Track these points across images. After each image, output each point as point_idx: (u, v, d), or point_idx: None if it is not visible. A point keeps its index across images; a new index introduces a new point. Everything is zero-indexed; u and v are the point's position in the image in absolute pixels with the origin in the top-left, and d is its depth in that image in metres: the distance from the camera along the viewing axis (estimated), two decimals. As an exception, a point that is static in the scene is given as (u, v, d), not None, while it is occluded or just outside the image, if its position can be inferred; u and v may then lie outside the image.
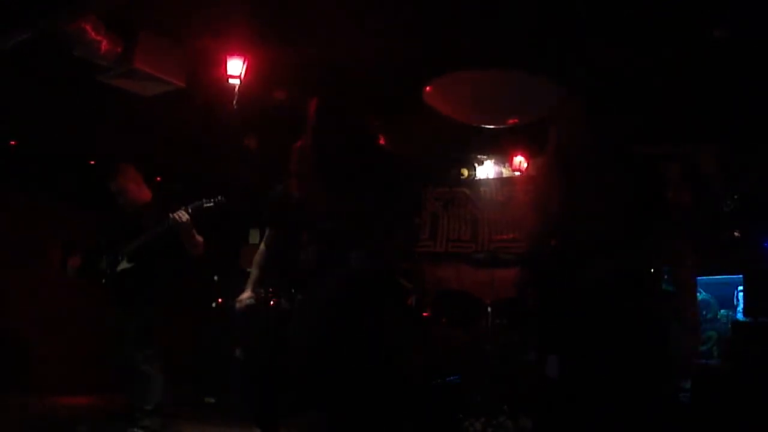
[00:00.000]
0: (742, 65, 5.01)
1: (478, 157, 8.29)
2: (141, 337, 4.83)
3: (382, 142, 3.43)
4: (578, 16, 4.68)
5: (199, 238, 4.93)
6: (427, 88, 5.89)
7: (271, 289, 4.16)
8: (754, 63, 4.98)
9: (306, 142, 3.38)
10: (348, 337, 3.17)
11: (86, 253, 5.27)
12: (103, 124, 6.84)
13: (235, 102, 5.66)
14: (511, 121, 6.44)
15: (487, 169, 8.37)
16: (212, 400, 7.51)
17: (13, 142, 7.29)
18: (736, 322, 5.52)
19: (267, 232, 4.54)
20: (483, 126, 6.54)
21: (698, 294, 6.05)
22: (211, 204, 4.79)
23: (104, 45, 5.09)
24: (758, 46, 4.75)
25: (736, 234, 5.88)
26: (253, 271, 4.44)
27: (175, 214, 4.73)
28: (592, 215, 2.97)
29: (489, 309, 5.90)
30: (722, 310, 6.04)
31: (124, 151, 6.11)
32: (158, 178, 4.45)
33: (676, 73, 5.23)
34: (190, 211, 4.76)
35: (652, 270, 3.06)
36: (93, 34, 4.99)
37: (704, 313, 6.05)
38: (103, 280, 5.06)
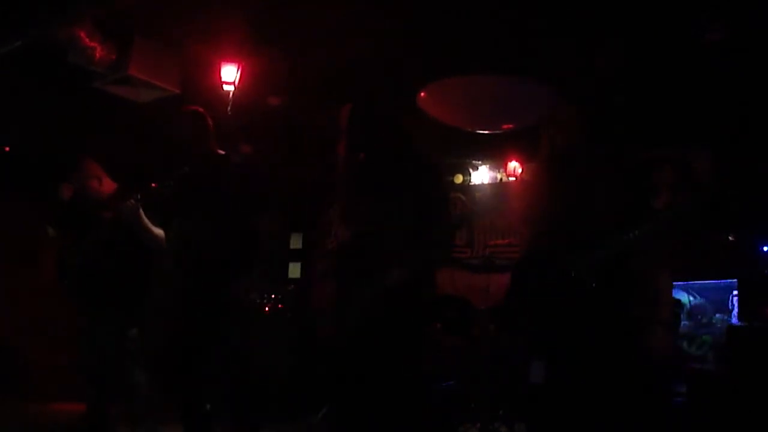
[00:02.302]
0: (736, 67, 5.03)
1: (473, 162, 8.30)
2: (114, 344, 4.62)
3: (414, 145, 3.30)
4: (573, 21, 4.70)
5: (156, 231, 4.39)
6: (422, 94, 5.90)
7: None
8: (748, 65, 5.00)
9: (340, 151, 3.33)
10: (387, 355, 3.09)
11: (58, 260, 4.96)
12: (98, 131, 6.83)
13: (229, 108, 5.65)
14: (505, 126, 6.45)
15: (482, 175, 8.38)
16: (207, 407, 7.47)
17: (6, 148, 7.28)
18: (730, 326, 5.52)
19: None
20: (478, 131, 6.55)
21: (693, 298, 6.06)
22: (160, 187, 4.46)
23: (98, 52, 5.09)
24: (751, 48, 4.77)
25: (730, 238, 5.89)
26: None
27: (124, 203, 4.30)
28: (582, 218, 2.98)
29: (484, 314, 5.89)
30: (717, 315, 6.05)
31: (117, 157, 6.09)
32: (154, 185, 4.28)
33: (670, 76, 5.24)
34: (138, 197, 4.28)
35: (635, 272, 3.07)
36: (87, 40, 5.00)
37: (699, 317, 6.05)
38: (65, 281, 4.79)
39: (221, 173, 3.90)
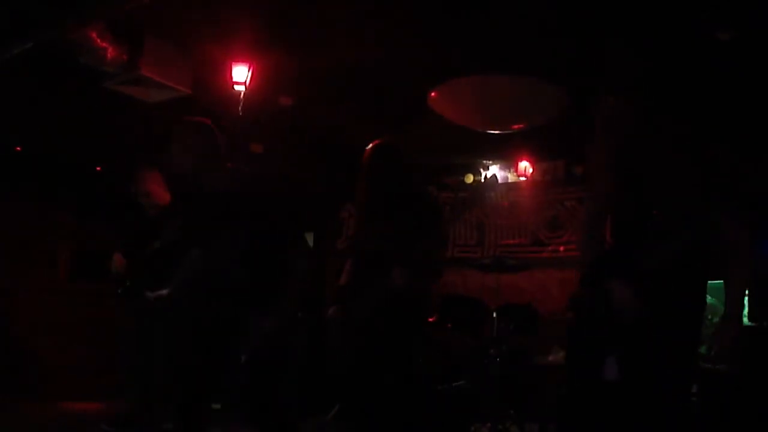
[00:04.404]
0: (746, 66, 5.01)
1: (484, 162, 8.30)
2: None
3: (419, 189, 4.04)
4: (584, 21, 4.69)
5: None
6: (433, 94, 5.91)
7: None
8: (759, 64, 4.98)
9: (360, 179, 3.89)
10: (389, 350, 3.62)
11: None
12: (109, 131, 6.87)
13: (240, 108, 5.67)
14: (516, 126, 6.44)
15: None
16: (218, 407, 7.49)
17: (18, 148, 7.33)
18: (744, 327, 5.50)
19: None
20: (488, 131, 6.55)
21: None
22: None
23: (110, 52, 5.11)
24: (763, 46, 4.75)
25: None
26: None
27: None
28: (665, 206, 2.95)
29: (494, 314, 5.90)
30: (728, 315, 6.02)
31: (129, 157, 6.13)
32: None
33: (679, 75, 5.23)
34: None
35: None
36: (99, 41, 5.01)
37: (709, 317, 6.02)
38: (120, 289, 4.93)
39: (240, 192, 3.33)
